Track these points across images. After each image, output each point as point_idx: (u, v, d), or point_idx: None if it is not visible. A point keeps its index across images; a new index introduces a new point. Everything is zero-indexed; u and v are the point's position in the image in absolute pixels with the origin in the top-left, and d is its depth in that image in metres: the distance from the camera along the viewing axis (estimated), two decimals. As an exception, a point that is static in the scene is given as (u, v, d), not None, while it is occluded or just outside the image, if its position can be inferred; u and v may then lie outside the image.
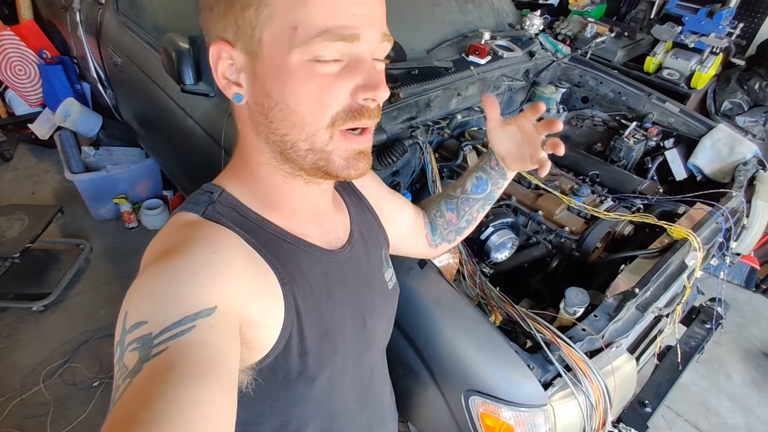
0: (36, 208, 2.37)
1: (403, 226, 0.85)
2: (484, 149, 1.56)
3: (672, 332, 1.38)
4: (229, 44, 0.51)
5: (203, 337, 0.43)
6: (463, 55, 1.76)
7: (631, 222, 1.41)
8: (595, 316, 1.04)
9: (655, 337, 1.39)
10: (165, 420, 0.36)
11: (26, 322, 2.10)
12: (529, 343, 1.02)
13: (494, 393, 0.89)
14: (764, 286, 2.60)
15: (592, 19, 2.94)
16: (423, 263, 1.05)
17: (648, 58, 2.86)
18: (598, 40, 2.58)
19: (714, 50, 2.76)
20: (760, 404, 2.07)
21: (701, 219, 1.38)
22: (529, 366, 0.90)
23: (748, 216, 1.54)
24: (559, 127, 0.68)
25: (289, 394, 0.58)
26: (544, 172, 0.72)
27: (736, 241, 1.49)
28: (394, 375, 0.88)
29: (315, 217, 0.63)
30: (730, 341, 2.33)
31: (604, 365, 0.95)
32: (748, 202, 1.56)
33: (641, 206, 1.51)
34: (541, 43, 2.07)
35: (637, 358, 1.33)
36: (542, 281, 1.43)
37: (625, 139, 1.81)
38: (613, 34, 2.80)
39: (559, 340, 0.93)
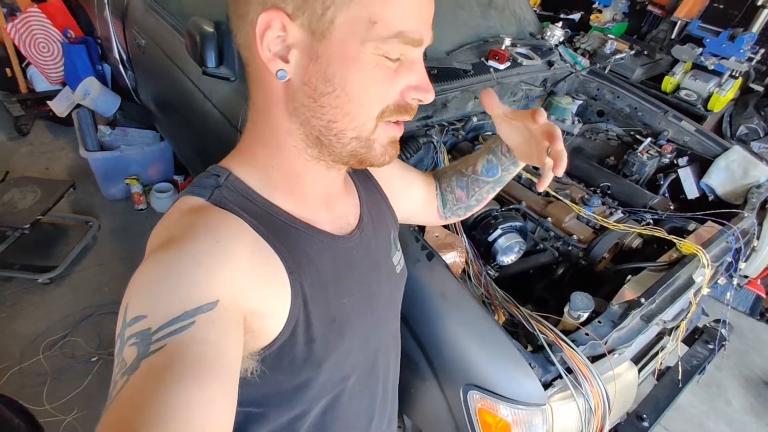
0: (49, 182, 2.40)
1: (415, 201, 0.85)
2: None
3: (674, 349, 1.37)
4: (287, 15, 0.47)
5: (203, 334, 0.42)
6: (482, 59, 1.77)
7: (639, 235, 1.41)
8: (599, 322, 1.04)
9: (657, 353, 1.38)
10: (159, 423, 0.35)
11: (31, 293, 2.12)
12: (530, 347, 1.01)
13: (494, 389, 0.89)
14: (769, 315, 2.57)
15: (613, 36, 2.95)
16: (431, 255, 1.05)
17: (666, 77, 2.86)
18: (617, 56, 2.59)
19: (733, 74, 2.76)
20: (759, 432, 2.05)
21: (711, 237, 1.38)
22: (530, 364, 0.90)
23: (758, 238, 1.53)
24: (560, 144, 0.63)
25: (294, 379, 0.58)
26: (544, 184, 0.67)
27: (745, 262, 1.48)
28: (394, 365, 0.88)
29: (325, 202, 0.63)
30: (732, 367, 2.30)
31: (605, 371, 0.95)
32: (760, 224, 1.55)
33: (651, 221, 1.51)
34: (560, 54, 2.07)
35: (639, 372, 1.32)
36: (547, 288, 1.42)
37: (639, 154, 1.81)
38: (632, 52, 2.80)
39: (561, 342, 0.93)
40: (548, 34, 2.11)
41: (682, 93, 2.82)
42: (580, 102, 2.05)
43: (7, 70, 3.15)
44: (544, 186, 0.67)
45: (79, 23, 3.22)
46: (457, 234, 1.25)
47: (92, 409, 1.72)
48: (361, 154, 0.55)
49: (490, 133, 1.76)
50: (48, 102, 3.09)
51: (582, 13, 3.48)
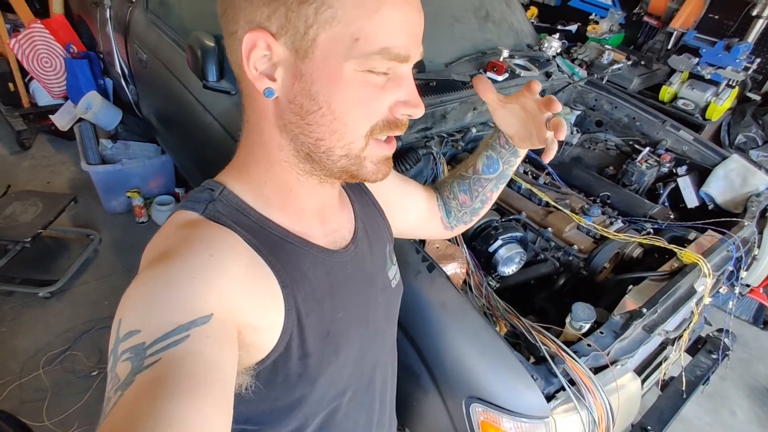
0: (50, 195, 2.40)
1: (414, 213, 0.84)
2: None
3: (677, 360, 1.36)
4: (271, 35, 0.48)
5: (197, 348, 0.41)
6: (481, 70, 1.79)
7: (640, 245, 1.41)
8: (601, 333, 1.03)
9: (660, 364, 1.37)
10: None
11: (31, 308, 2.11)
12: (533, 359, 1.01)
13: (496, 401, 0.89)
14: (772, 323, 2.56)
15: (610, 47, 2.97)
16: (431, 267, 1.05)
17: (664, 87, 2.88)
18: (615, 66, 2.61)
19: (730, 83, 2.78)
20: (765, 443, 2.03)
21: (712, 246, 1.38)
22: (532, 377, 0.89)
23: (759, 247, 1.53)
24: (558, 107, 0.64)
25: (289, 396, 0.57)
26: (550, 155, 0.67)
27: (746, 271, 1.47)
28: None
29: (320, 216, 0.62)
30: (736, 377, 2.28)
31: (608, 382, 0.94)
32: (760, 233, 1.55)
33: (651, 230, 1.51)
34: (558, 65, 2.09)
35: (642, 383, 1.32)
36: (548, 299, 1.42)
37: (638, 163, 1.81)
38: (629, 62, 2.82)
39: (563, 353, 0.93)
40: (546, 45, 2.13)
41: (680, 102, 2.84)
42: (579, 112, 2.07)
43: (10, 85, 3.18)
44: (550, 157, 0.67)
45: (81, 38, 3.26)
46: (458, 245, 1.25)
47: (93, 424, 1.70)
48: (353, 170, 0.55)
49: (489, 143, 1.76)
50: (50, 116, 3.12)
51: (579, 24, 3.52)
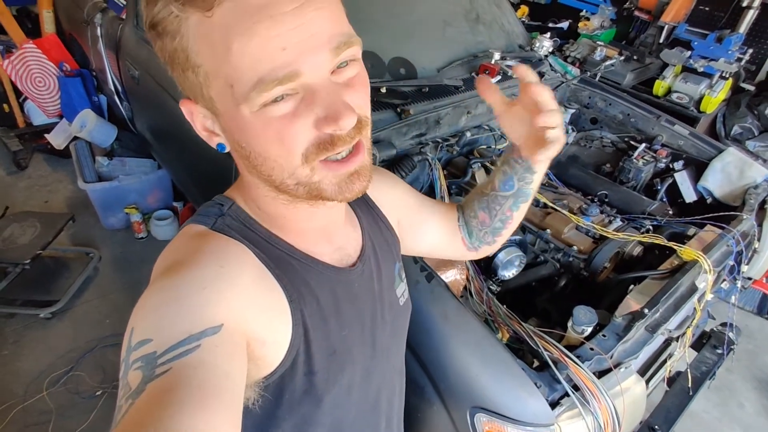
0: (48, 215, 2.40)
1: (431, 235, 0.81)
2: (493, 167, 1.57)
3: (682, 356, 1.35)
4: (193, 102, 0.51)
5: (208, 357, 0.42)
6: (473, 74, 1.78)
7: (640, 243, 1.40)
8: (604, 335, 1.03)
9: (665, 361, 1.37)
10: None
11: (33, 329, 2.10)
12: (536, 363, 1.00)
13: (500, 411, 0.88)
14: (777, 313, 2.55)
15: (602, 43, 2.97)
16: (430, 276, 1.04)
17: (657, 81, 2.88)
18: (608, 62, 2.61)
19: (723, 75, 2.77)
20: (774, 435, 2.02)
21: (712, 241, 1.37)
22: (536, 384, 0.89)
23: (759, 240, 1.52)
24: (543, 93, 0.62)
25: (294, 415, 0.57)
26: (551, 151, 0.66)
27: (747, 264, 1.47)
28: (399, 390, 0.87)
29: (325, 234, 0.62)
30: (742, 369, 2.27)
31: (612, 386, 0.93)
32: (760, 225, 1.54)
33: (650, 227, 1.50)
34: (550, 65, 2.09)
35: (647, 382, 1.31)
36: (549, 300, 1.41)
37: (635, 160, 1.81)
38: (622, 58, 2.82)
39: (566, 358, 0.92)
40: (537, 45, 2.12)
41: (674, 96, 2.83)
42: (573, 111, 2.07)
43: (5, 106, 3.19)
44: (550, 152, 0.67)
45: (74, 56, 3.26)
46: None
47: (98, 445, 1.70)
48: (315, 194, 0.51)
49: (485, 146, 1.76)
50: (45, 135, 3.12)
51: (570, 21, 3.52)
